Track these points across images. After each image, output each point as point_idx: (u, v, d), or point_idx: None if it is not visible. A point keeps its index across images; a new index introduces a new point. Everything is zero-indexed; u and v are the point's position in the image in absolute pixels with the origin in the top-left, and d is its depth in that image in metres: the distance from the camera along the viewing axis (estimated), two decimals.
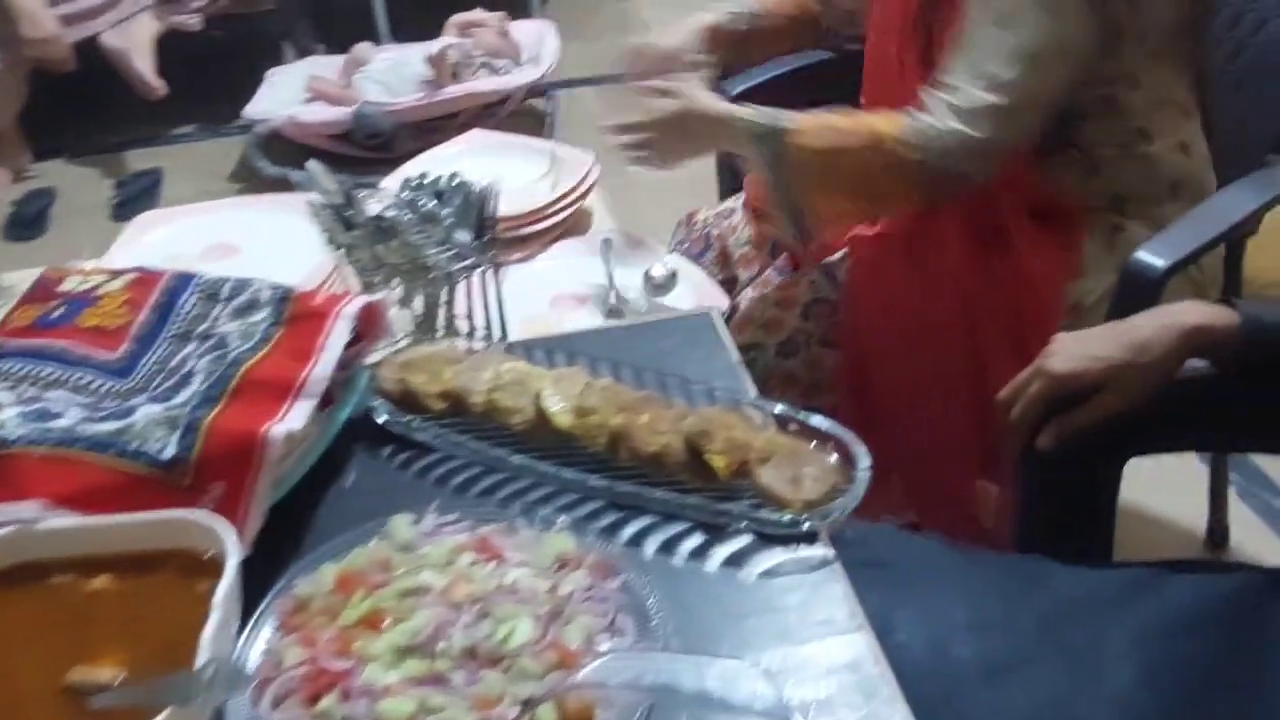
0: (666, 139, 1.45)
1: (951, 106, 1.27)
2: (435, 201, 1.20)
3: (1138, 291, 1.28)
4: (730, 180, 1.74)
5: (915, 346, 1.41)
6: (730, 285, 1.59)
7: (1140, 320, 1.00)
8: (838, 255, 1.49)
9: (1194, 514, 1.84)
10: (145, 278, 1.01)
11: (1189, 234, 1.32)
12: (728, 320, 1.48)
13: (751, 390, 1.06)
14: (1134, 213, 1.39)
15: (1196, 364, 1.00)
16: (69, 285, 1.02)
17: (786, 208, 1.37)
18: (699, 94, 1.42)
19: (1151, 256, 1.26)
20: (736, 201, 1.67)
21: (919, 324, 1.41)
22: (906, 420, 1.44)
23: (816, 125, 1.33)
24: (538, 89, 3.10)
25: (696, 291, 1.44)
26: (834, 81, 1.64)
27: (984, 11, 1.27)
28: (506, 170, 1.59)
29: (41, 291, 1.02)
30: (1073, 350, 1.00)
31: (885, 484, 1.46)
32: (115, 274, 1.02)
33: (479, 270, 1.22)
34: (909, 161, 1.28)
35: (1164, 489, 1.83)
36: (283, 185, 2.94)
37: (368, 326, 0.98)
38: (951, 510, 1.45)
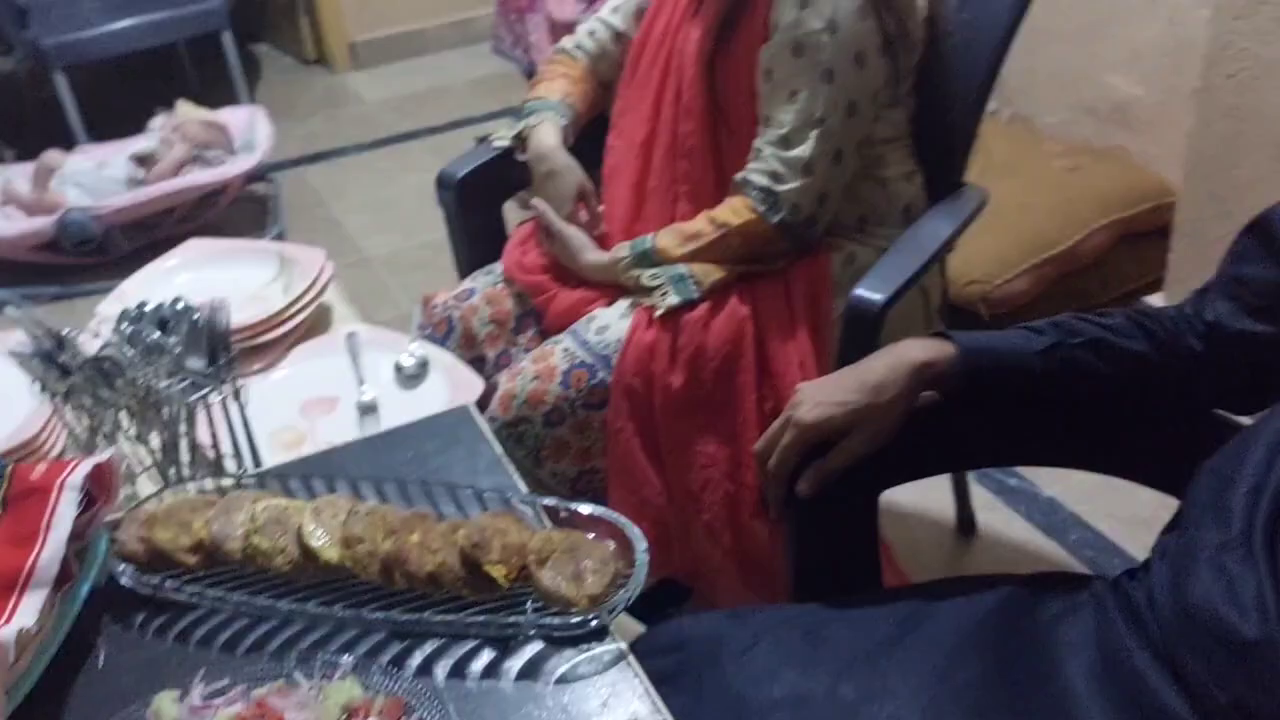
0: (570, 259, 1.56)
1: (785, 161, 1.41)
2: (159, 332, 1.11)
3: (864, 321, 1.35)
4: (469, 258, 1.71)
5: (687, 385, 1.44)
6: (478, 365, 1.56)
7: (873, 362, 1.03)
8: (585, 319, 1.49)
9: (942, 505, 1.94)
10: None
11: (901, 265, 1.41)
12: (486, 401, 1.46)
13: (519, 484, 1.03)
14: (872, 234, 1.52)
15: (927, 395, 1.04)
16: None
17: (665, 280, 1.45)
18: (583, 254, 1.54)
19: (871, 293, 1.34)
20: (474, 281, 1.64)
21: (690, 361, 1.44)
22: (683, 466, 1.46)
23: (674, 238, 1.46)
24: (256, 174, 2.97)
25: (449, 376, 1.40)
26: None
27: (800, 70, 1.39)
28: (233, 278, 1.51)
29: None
30: (818, 398, 1.02)
31: (666, 551, 1.49)
32: None
33: (218, 395, 1.13)
34: (767, 230, 1.44)
35: (912, 487, 1.92)
36: None
37: (99, 488, 0.89)
38: (736, 553, 1.48)
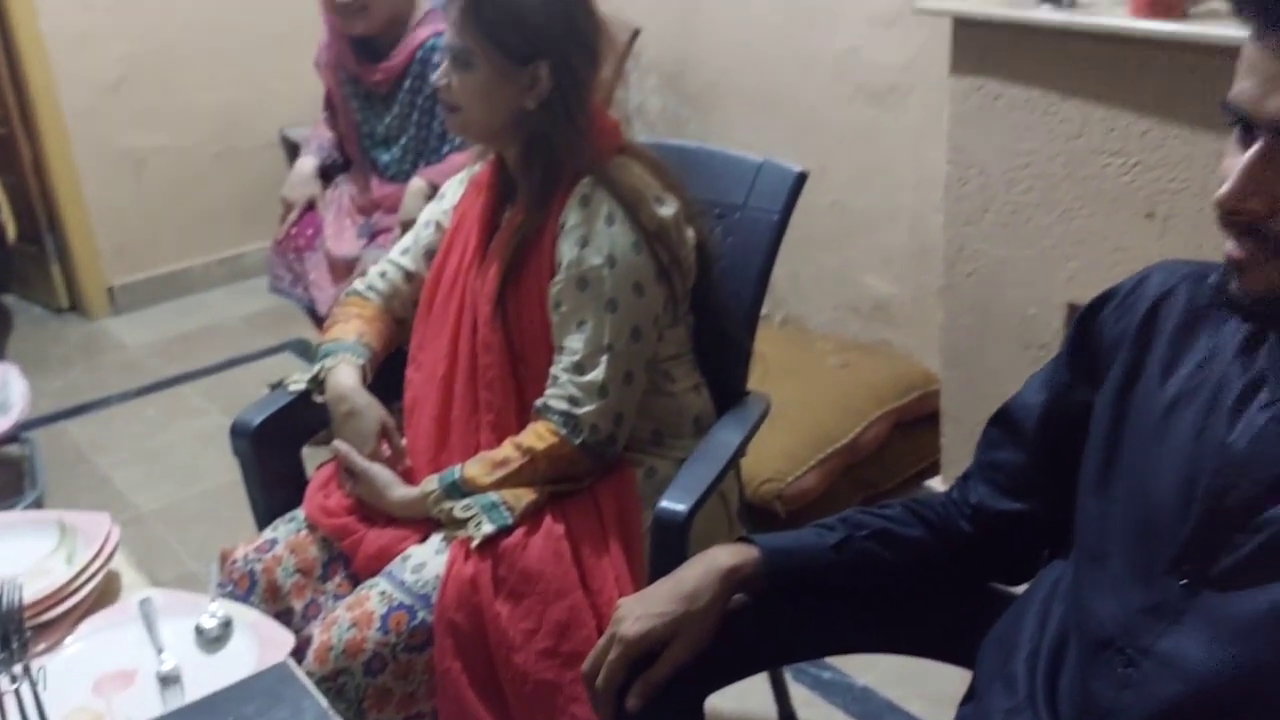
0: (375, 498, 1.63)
1: (581, 386, 1.55)
2: None
3: (671, 531, 1.46)
4: (268, 508, 1.73)
5: (517, 613, 1.49)
6: (286, 618, 1.57)
7: (686, 572, 1.14)
8: (399, 559, 1.55)
9: (764, 707, 2.02)
10: None
11: (699, 475, 1.55)
12: (300, 656, 1.46)
13: None
14: (668, 447, 1.66)
15: (739, 598, 1.15)
16: None
17: (477, 510, 1.53)
18: (390, 491, 1.62)
19: (674, 504, 1.47)
20: (275, 531, 1.66)
21: (516, 588, 1.50)
22: (529, 699, 1.50)
23: (482, 467, 1.56)
24: (8, 437, 2.88)
25: (256, 634, 1.40)
26: None
27: (586, 302, 1.55)
28: (8, 553, 1.48)
29: None
30: (638, 612, 1.11)
31: None
32: None
33: (12, 681, 1.12)
34: (571, 451, 1.56)
35: (734, 693, 2.00)
36: None
37: None
38: None
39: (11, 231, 3.55)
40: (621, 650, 1.10)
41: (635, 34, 3.04)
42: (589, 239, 1.55)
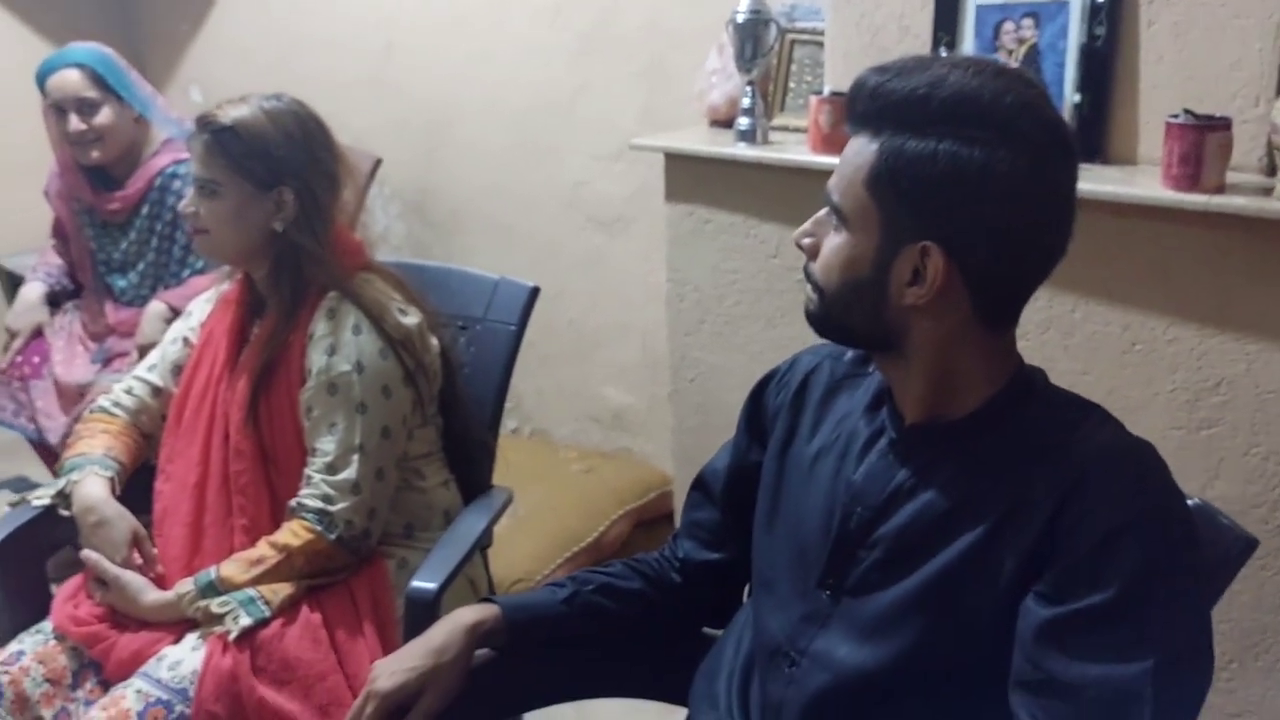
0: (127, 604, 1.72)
1: (334, 484, 1.69)
2: None
3: (422, 609, 1.63)
4: (15, 620, 1.78)
5: (281, 698, 1.62)
6: None
7: (434, 630, 1.31)
8: (154, 659, 1.64)
9: None
10: None
11: (447, 557, 1.73)
12: None
13: None
14: (419, 540, 1.82)
15: (483, 652, 1.34)
16: None
17: (233, 606, 1.64)
18: (143, 596, 1.71)
19: (425, 583, 1.65)
20: (22, 643, 1.71)
21: (276, 674, 1.63)
22: None
23: (238, 566, 1.67)
24: None
25: None
26: None
27: (337, 405, 1.71)
28: None
29: None
30: (391, 668, 1.28)
31: None
32: None
33: None
34: (326, 547, 1.69)
35: None
36: None
37: None
38: None
39: None
40: (377, 704, 1.26)
41: (378, 163, 3.25)
42: (337, 347, 1.72)
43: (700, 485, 1.40)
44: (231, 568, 1.68)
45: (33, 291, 2.95)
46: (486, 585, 1.96)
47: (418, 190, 3.46)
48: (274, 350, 1.77)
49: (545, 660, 1.38)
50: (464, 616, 1.32)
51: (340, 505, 1.70)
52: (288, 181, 1.74)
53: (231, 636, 1.61)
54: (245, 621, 1.62)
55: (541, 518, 2.66)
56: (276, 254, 1.77)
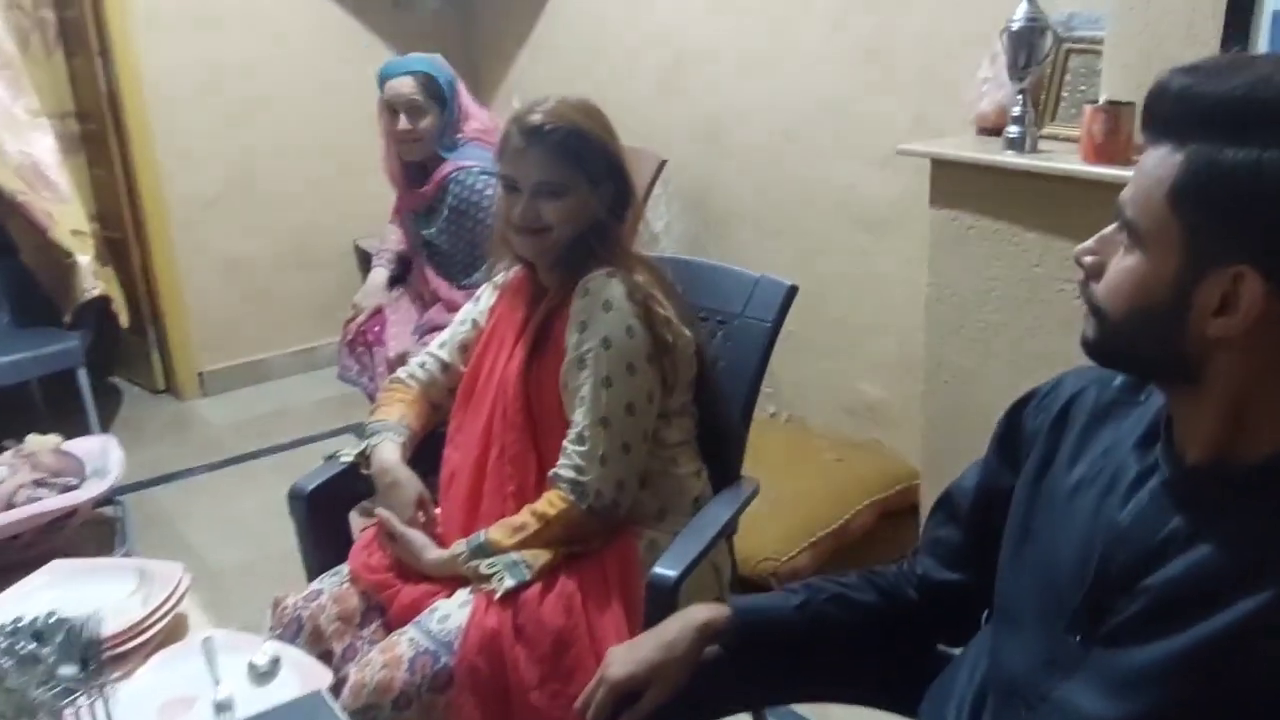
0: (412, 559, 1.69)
1: (584, 455, 1.61)
2: (35, 643, 1.17)
3: (662, 595, 1.52)
4: (317, 563, 1.80)
5: (533, 658, 1.55)
6: (327, 659, 1.62)
7: (667, 625, 1.20)
8: (428, 611, 1.60)
9: None
10: None
11: (690, 545, 1.60)
12: (337, 692, 1.52)
13: None
14: (669, 523, 1.70)
15: (712, 649, 1.20)
16: None
17: (499, 568, 1.59)
18: (425, 553, 1.68)
19: (666, 570, 1.53)
20: (322, 583, 1.73)
21: (532, 636, 1.56)
22: None
23: (504, 531, 1.63)
24: (104, 499, 2.98)
25: (300, 672, 1.46)
26: None
27: (585, 380, 1.62)
28: (95, 593, 1.55)
29: None
30: (624, 657, 1.17)
31: None
32: None
33: (88, 699, 1.18)
34: (579, 515, 1.62)
35: None
36: None
37: None
38: None
39: (124, 321, 3.69)
40: (607, 689, 1.16)
41: (663, 163, 3.18)
42: (589, 324, 1.63)
43: (946, 503, 1.21)
44: (498, 532, 1.63)
45: (378, 277, 3.15)
46: (730, 570, 1.83)
47: (698, 190, 3.36)
48: (544, 328, 1.71)
49: (772, 663, 1.24)
50: (697, 614, 1.20)
51: (590, 476, 1.62)
52: (625, 176, 1.70)
53: (497, 595, 1.56)
54: (509, 583, 1.57)
55: (791, 501, 2.49)
56: (573, 243, 1.70)
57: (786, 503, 2.47)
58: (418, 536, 1.69)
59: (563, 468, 1.63)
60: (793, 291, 1.83)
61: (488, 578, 1.59)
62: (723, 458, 1.81)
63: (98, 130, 3.84)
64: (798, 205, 3.04)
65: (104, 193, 3.94)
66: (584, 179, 1.67)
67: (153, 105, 3.75)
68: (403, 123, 2.72)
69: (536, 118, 1.66)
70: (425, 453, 1.84)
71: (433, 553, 1.68)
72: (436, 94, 2.76)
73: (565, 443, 1.65)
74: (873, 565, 1.24)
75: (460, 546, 1.64)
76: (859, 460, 2.75)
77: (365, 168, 3.31)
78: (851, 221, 2.89)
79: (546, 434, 1.69)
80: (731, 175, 3.25)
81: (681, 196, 3.39)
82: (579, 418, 1.64)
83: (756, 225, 3.19)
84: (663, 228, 3.41)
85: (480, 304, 1.90)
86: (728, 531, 1.73)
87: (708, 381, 1.76)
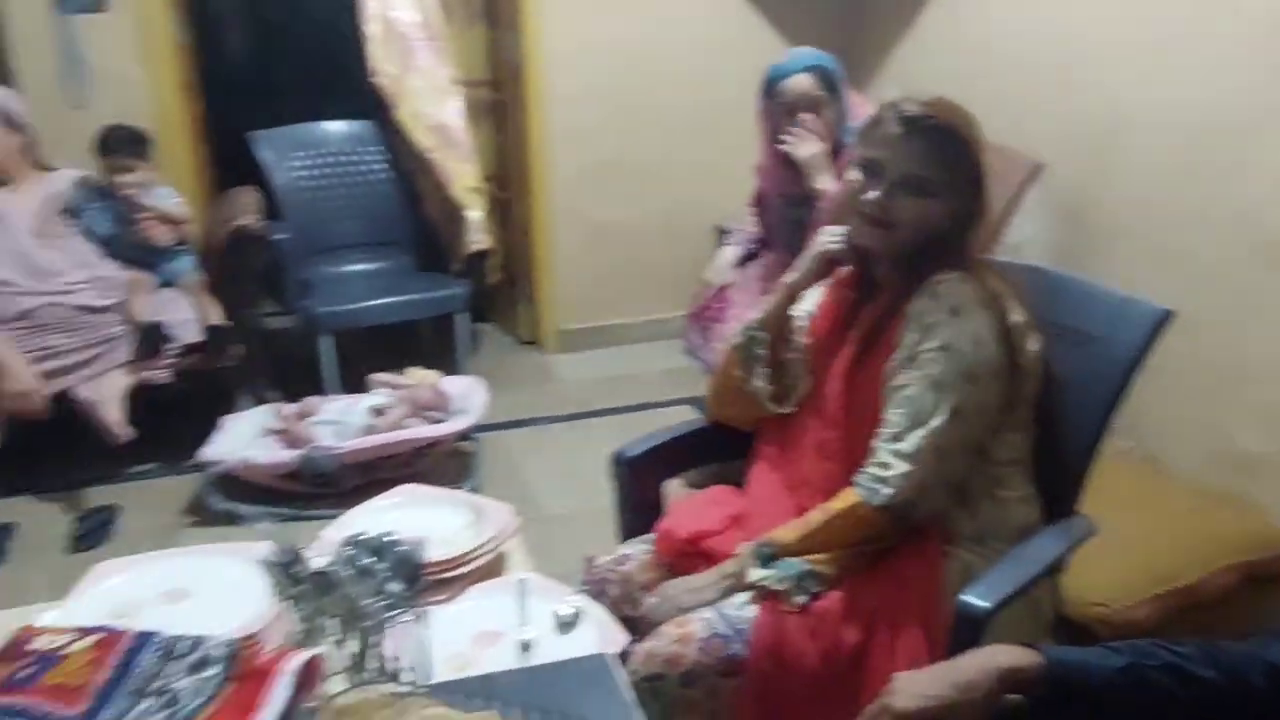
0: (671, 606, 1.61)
1: (892, 451, 1.51)
2: (373, 558, 1.26)
3: (970, 624, 1.39)
4: (629, 527, 1.84)
5: (820, 672, 1.49)
6: (628, 622, 1.64)
7: (964, 662, 1.09)
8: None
9: None
10: (109, 638, 1.04)
11: (1009, 577, 1.45)
12: (627, 655, 1.54)
13: None
14: (989, 548, 1.56)
15: (1011, 697, 1.08)
16: (39, 644, 1.05)
17: (792, 582, 1.52)
18: (680, 591, 1.61)
19: (977, 599, 1.39)
20: (631, 548, 1.75)
21: (826, 651, 1.49)
22: None
23: (789, 528, 1.56)
24: (465, 434, 3.24)
25: (599, 628, 1.49)
26: (711, 445, 1.80)
27: (914, 379, 1.52)
28: (434, 520, 1.66)
29: (14, 650, 1.04)
30: (911, 690, 1.08)
31: None
32: (84, 633, 1.06)
33: (408, 616, 1.26)
34: (869, 512, 1.51)
35: None
36: (231, 519, 2.97)
37: (307, 677, 1.02)
38: None
39: (498, 276, 3.98)
40: None
41: (1039, 167, 2.94)
42: (931, 327, 1.52)
43: None
44: (784, 531, 1.57)
45: (728, 254, 3.15)
46: (1052, 611, 1.65)
47: (1073, 199, 3.07)
48: (877, 328, 1.62)
49: None
50: (999, 658, 1.08)
51: (893, 473, 1.51)
52: (984, 193, 1.57)
53: (790, 605, 1.50)
54: (801, 599, 1.51)
55: (1134, 545, 2.22)
56: (918, 248, 1.59)
57: (1128, 546, 2.21)
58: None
59: (866, 465, 1.54)
60: (1166, 317, 1.61)
61: (776, 593, 1.53)
62: (1059, 488, 1.64)
63: (503, 99, 4.15)
64: (1187, 224, 2.70)
65: (501, 156, 4.25)
66: (948, 184, 1.56)
67: (551, 78, 3.99)
68: (807, 119, 2.68)
69: (920, 109, 1.56)
70: (734, 440, 1.81)
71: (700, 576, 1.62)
72: (831, 86, 2.71)
73: (875, 442, 1.55)
74: (1218, 637, 1.06)
75: (744, 551, 1.58)
76: (1221, 515, 2.40)
77: (735, 151, 3.33)
78: (1250, 250, 2.53)
79: (865, 435, 1.60)
80: (1115, 187, 2.94)
81: (1054, 205, 3.13)
82: (896, 415, 1.53)
83: (1134, 241, 2.87)
84: (1025, 237, 3.16)
85: (806, 302, 1.80)
86: (1055, 569, 1.56)
87: (1052, 402, 1.59)
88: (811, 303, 1.80)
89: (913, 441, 1.50)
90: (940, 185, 1.55)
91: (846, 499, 1.53)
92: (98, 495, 3.21)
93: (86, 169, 3.30)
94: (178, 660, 1.01)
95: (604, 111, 4.09)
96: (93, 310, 3.11)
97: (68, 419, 3.09)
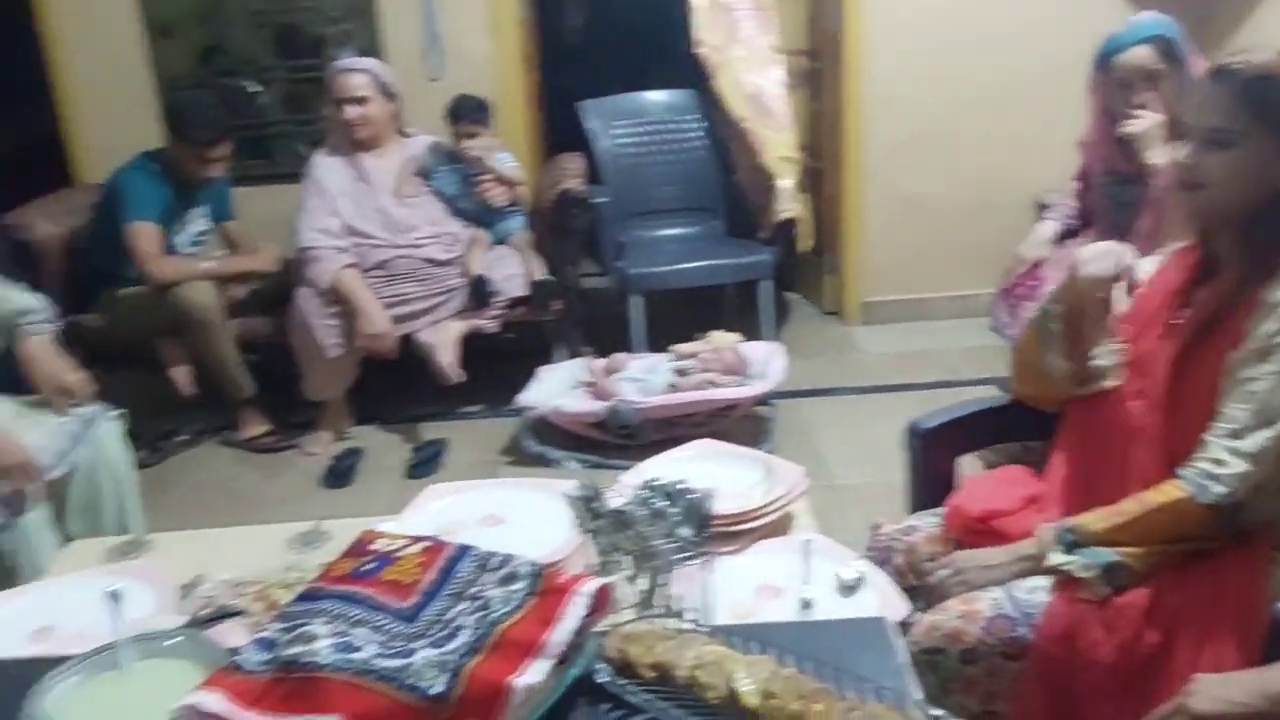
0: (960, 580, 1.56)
1: (1230, 448, 1.39)
2: (666, 502, 1.33)
3: None
4: (919, 499, 1.81)
5: (1116, 668, 1.41)
6: (909, 593, 1.62)
7: (1278, 672, 1.00)
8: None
9: None
10: (436, 546, 1.17)
11: None
12: (907, 626, 1.52)
13: (916, 693, 1.10)
14: None
15: None
16: (378, 545, 1.19)
17: (1097, 572, 1.44)
18: (972, 566, 1.55)
19: None
20: (920, 519, 1.73)
21: (1124, 645, 1.41)
22: None
23: (1098, 514, 1.47)
24: (761, 399, 3.29)
25: (881, 596, 1.49)
26: (1010, 424, 1.74)
27: (1267, 375, 1.39)
28: (725, 475, 1.71)
29: (358, 548, 1.20)
30: (1214, 693, 1.01)
31: None
32: (414, 540, 1.19)
33: (695, 560, 1.32)
34: (1195, 510, 1.40)
35: None
36: (542, 461, 3.20)
37: (600, 603, 1.10)
38: None
39: (806, 244, 3.99)
40: None
41: None
42: None
43: None
44: (1092, 517, 1.47)
45: (1045, 229, 3.04)
46: None
47: None
48: (1218, 312, 1.48)
49: None
50: None
51: (1228, 470, 1.38)
52: None
53: (1091, 595, 1.42)
54: (1105, 590, 1.42)
55: None
56: (1257, 216, 1.44)
57: None
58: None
59: (1196, 459, 1.42)
60: None
61: (1079, 581, 1.44)
62: None
63: (820, 68, 4.13)
64: None
65: (816, 126, 4.24)
66: (1267, 133, 1.40)
67: (870, 46, 3.92)
68: (1143, 99, 2.49)
69: (1229, 58, 1.42)
70: (1036, 421, 1.72)
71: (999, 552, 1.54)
72: (1173, 57, 2.49)
73: (1208, 436, 1.42)
74: None
75: (1045, 534, 1.50)
76: None
77: (1058, 123, 3.14)
78: None
79: (1190, 427, 1.48)
80: None
81: None
82: (1239, 411, 1.39)
83: None
84: None
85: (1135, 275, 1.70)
86: None
87: None
88: (1144, 275, 1.68)
89: (1256, 441, 1.37)
90: (1247, 134, 1.40)
91: (1169, 492, 1.42)
92: (431, 430, 3.55)
93: (438, 135, 3.62)
94: (491, 572, 1.12)
95: (921, 81, 3.97)
96: (438, 263, 3.43)
97: (409, 360, 3.43)
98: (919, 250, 4.21)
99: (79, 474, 2.30)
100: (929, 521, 1.72)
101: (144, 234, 3.30)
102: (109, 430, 2.38)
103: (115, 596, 1.17)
